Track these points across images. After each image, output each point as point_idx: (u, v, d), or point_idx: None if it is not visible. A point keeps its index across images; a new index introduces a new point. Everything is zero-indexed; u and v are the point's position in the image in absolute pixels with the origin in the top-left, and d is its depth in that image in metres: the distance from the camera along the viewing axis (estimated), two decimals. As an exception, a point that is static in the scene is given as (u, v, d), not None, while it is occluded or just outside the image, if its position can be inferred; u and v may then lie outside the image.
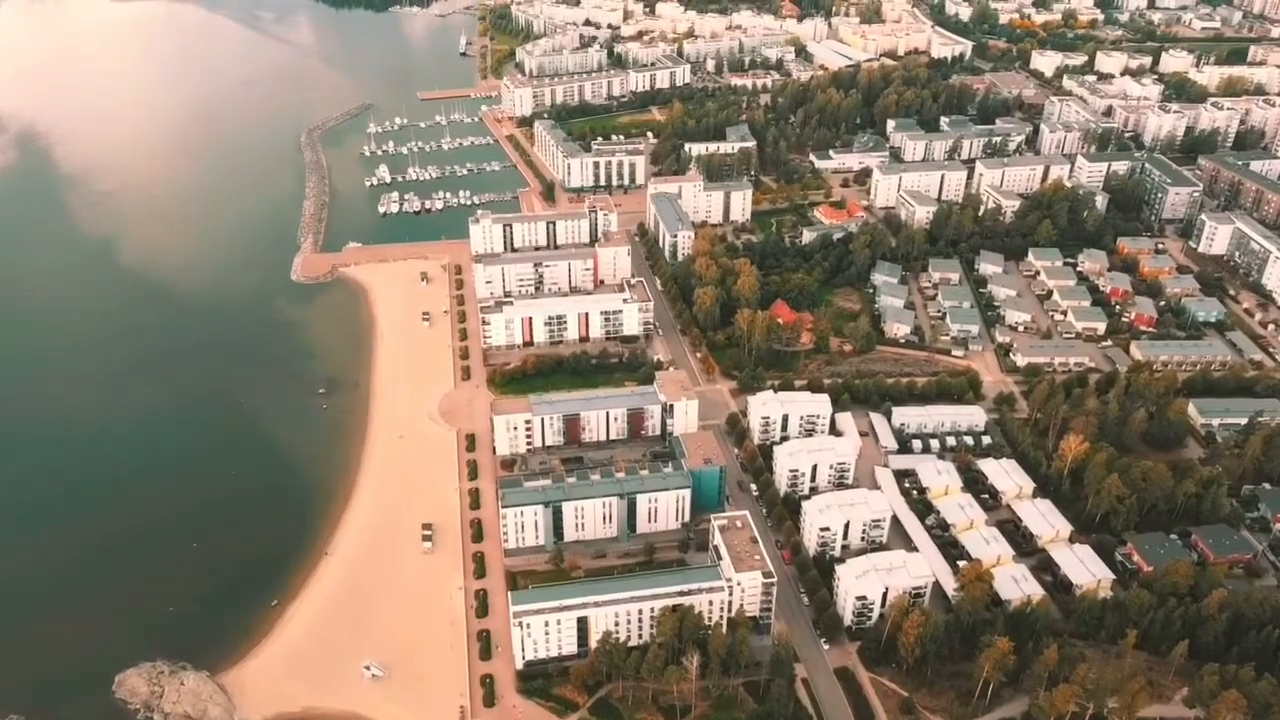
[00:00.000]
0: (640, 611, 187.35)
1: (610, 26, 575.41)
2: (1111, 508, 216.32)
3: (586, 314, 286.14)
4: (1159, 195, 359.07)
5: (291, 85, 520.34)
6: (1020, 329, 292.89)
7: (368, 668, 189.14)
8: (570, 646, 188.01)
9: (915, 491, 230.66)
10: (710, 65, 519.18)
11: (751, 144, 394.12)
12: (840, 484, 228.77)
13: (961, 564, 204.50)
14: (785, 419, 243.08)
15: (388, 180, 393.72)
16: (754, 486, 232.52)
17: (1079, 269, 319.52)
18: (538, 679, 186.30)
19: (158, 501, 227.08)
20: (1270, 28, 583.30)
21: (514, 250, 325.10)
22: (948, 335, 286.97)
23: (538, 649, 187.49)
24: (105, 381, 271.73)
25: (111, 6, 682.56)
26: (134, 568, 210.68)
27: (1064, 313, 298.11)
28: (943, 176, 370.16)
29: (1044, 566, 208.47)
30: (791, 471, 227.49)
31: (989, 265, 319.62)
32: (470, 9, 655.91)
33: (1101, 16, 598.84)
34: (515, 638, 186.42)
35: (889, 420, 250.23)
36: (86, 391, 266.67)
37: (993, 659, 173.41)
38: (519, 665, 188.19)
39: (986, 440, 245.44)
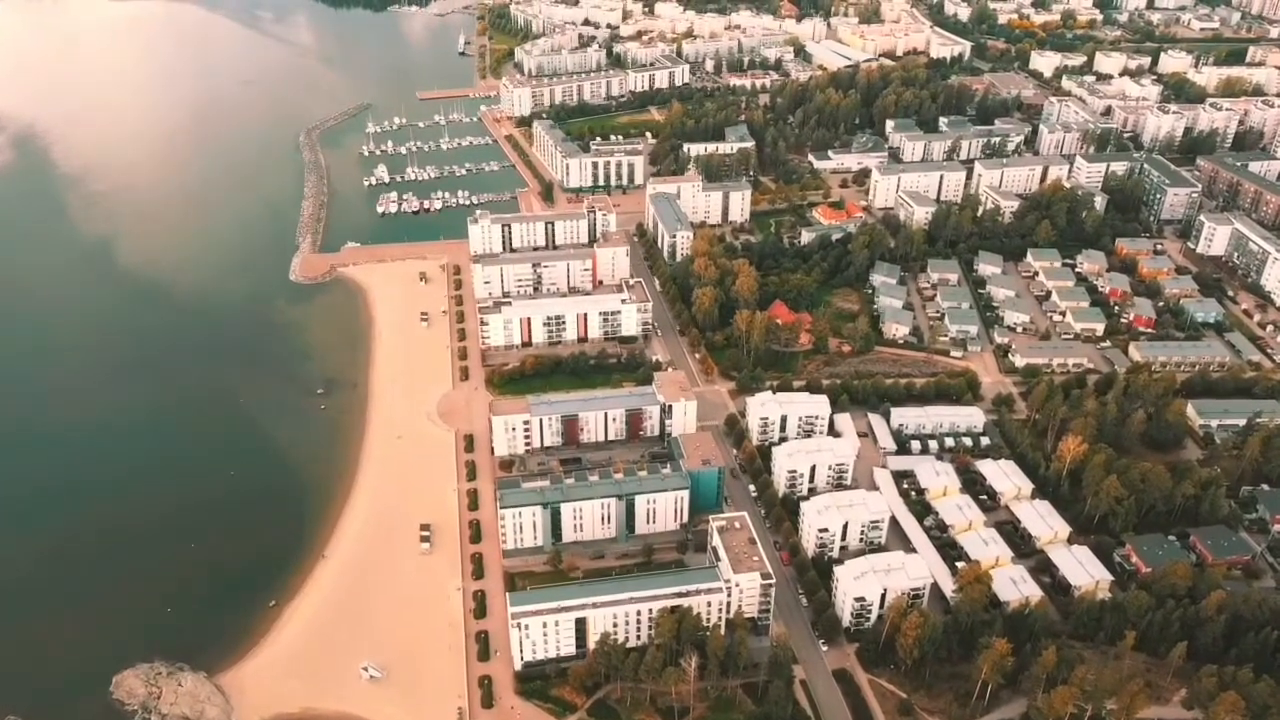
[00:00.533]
0: (639, 613, 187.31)
1: (609, 26, 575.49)
2: (1110, 509, 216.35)
3: (585, 314, 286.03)
4: (1158, 196, 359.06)
5: (290, 85, 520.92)
6: (1019, 330, 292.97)
7: (366, 669, 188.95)
8: (569, 648, 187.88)
9: (914, 492, 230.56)
10: (709, 65, 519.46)
11: (750, 144, 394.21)
12: (839, 485, 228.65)
13: (960, 565, 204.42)
14: (784, 420, 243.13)
15: (386, 180, 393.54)
16: (752, 488, 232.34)
17: (1078, 270, 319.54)
18: (536, 680, 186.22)
19: (156, 502, 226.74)
20: (1269, 28, 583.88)
21: (512, 250, 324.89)
22: (946, 336, 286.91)
23: (536, 650, 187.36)
24: (103, 381, 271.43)
25: (110, 5, 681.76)
26: (132, 568, 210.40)
27: (1063, 313, 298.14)
28: (941, 177, 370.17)
29: (1042, 568, 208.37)
30: (790, 472, 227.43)
31: (988, 266, 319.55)
32: (469, 8, 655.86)
33: (1100, 17, 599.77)
34: (513, 639, 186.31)
35: (887, 421, 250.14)
36: (84, 392, 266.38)
37: (991, 660, 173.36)
38: (517, 666, 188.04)
39: (985, 441, 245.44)
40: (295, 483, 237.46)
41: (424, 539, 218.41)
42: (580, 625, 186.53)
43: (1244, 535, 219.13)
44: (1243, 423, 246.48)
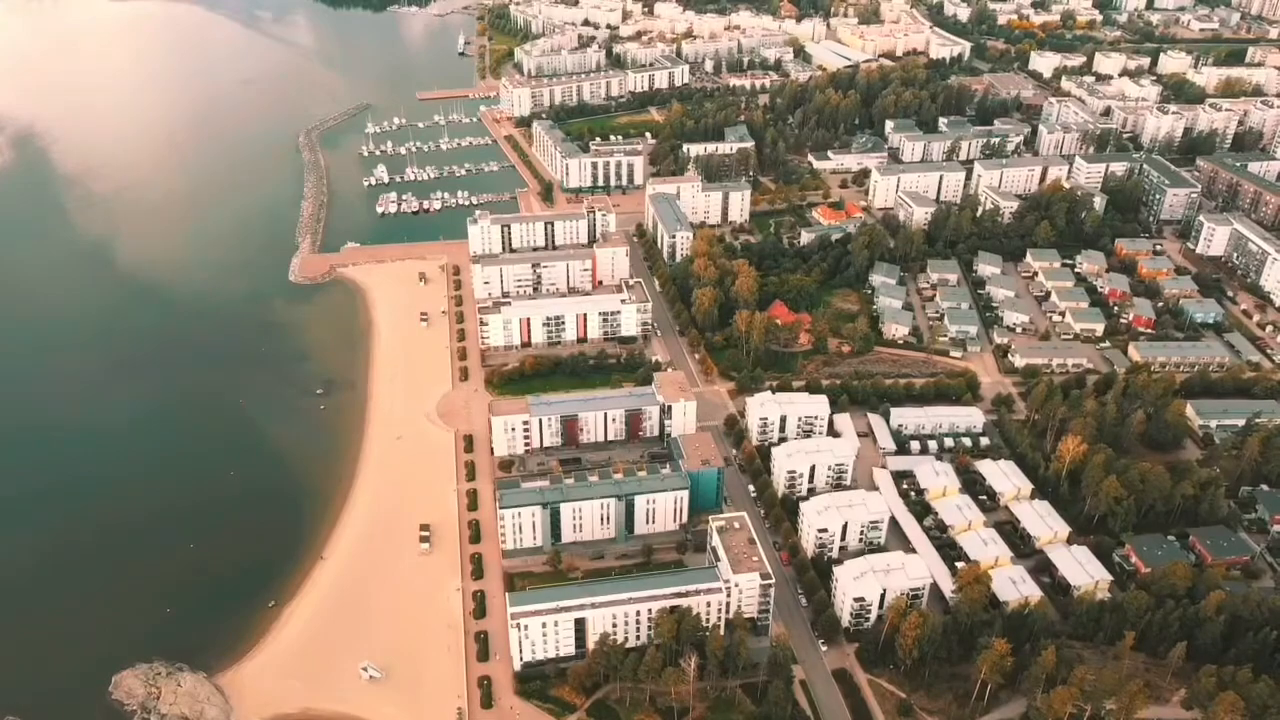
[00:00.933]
0: (638, 613, 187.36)
1: (609, 27, 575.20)
2: (1109, 509, 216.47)
3: (585, 315, 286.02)
4: (1157, 196, 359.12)
5: (290, 85, 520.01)
6: (1018, 330, 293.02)
7: (365, 669, 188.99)
8: (568, 648, 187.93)
9: (913, 493, 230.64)
10: (709, 66, 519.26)
11: (750, 145, 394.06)
12: (838, 485, 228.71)
13: (959, 565, 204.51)
14: (783, 420, 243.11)
15: (386, 180, 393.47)
16: (751, 488, 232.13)
17: (1077, 270, 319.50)
18: (535, 680, 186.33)
19: (155, 502, 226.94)
20: (1268, 29, 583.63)
21: (512, 251, 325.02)
22: (946, 336, 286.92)
23: (535, 650, 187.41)
24: (102, 382, 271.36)
25: (109, 5, 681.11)
26: (131, 568, 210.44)
27: (1062, 314, 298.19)
28: (941, 177, 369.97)
29: (1042, 568, 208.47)
30: (789, 473, 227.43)
31: (987, 266, 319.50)
32: (469, 9, 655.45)
33: (1100, 17, 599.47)
34: (513, 639, 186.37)
35: (887, 421, 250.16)
36: (83, 392, 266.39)
37: (990, 661, 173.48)
38: (517, 667, 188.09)
39: (984, 441, 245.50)
40: (295, 483, 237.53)
41: (423, 539, 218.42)
42: (580, 625, 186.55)
43: (1243, 535, 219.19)
44: (1242, 423, 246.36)
